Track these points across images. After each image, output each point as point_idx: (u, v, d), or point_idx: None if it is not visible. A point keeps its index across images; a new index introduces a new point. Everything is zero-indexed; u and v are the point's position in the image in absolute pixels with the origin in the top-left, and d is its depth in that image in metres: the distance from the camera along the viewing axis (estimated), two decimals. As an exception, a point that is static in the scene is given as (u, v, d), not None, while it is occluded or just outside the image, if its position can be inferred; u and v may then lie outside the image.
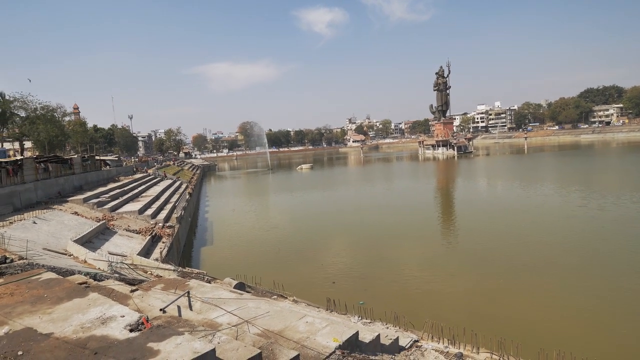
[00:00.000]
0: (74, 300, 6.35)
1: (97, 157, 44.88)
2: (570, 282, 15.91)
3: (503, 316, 13.29)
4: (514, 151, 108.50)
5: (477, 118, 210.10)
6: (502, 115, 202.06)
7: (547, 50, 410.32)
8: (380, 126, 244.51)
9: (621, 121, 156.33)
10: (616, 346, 11.41)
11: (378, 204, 38.09)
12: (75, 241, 14.72)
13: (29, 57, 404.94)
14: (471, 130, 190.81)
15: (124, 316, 5.60)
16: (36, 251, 11.88)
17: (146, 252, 16.70)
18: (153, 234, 19.92)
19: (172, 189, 40.38)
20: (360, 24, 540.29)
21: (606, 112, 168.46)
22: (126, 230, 20.08)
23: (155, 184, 42.67)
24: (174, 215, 25.23)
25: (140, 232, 20.28)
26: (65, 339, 4.97)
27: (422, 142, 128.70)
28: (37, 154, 46.95)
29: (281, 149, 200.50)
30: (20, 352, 4.64)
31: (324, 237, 26.53)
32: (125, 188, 32.77)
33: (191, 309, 7.39)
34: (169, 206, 29.13)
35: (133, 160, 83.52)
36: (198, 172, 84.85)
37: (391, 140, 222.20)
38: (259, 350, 5.10)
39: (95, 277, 9.29)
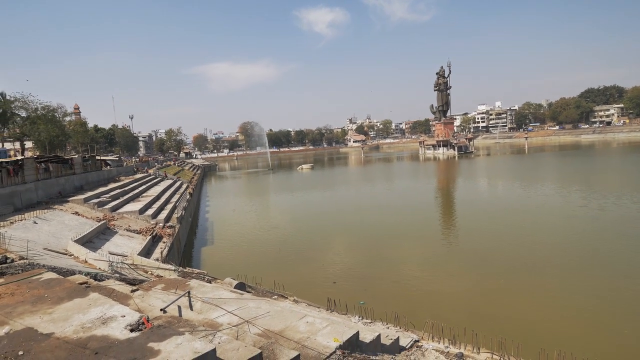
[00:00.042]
0: (75, 300, 6.35)
1: (97, 157, 44.96)
2: (571, 282, 15.90)
3: (503, 316, 13.28)
4: (515, 151, 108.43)
5: (478, 118, 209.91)
6: (503, 116, 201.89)
7: (547, 50, 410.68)
8: (381, 126, 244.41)
9: (622, 121, 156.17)
10: (617, 346, 11.40)
11: (378, 204, 38.08)
12: (76, 241, 14.73)
13: (29, 57, 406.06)
14: (472, 130, 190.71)
15: (124, 316, 5.60)
16: (37, 251, 11.89)
17: (147, 252, 16.71)
18: (154, 234, 19.93)
19: (172, 189, 40.40)
20: (361, 24, 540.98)
21: (607, 112, 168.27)
22: (127, 230, 20.09)
23: (155, 184, 42.69)
24: (175, 215, 25.24)
25: (140, 232, 20.30)
26: (66, 339, 4.97)
27: (423, 142, 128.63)
28: (37, 154, 47.03)
29: (282, 149, 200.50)
30: (21, 352, 4.64)
31: (324, 237, 26.53)
32: (126, 188, 32.79)
33: (192, 309, 7.39)
34: (169, 206, 29.14)
35: (134, 160, 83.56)
36: (199, 172, 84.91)
37: (392, 141, 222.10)
38: (259, 350, 5.10)
39: (95, 277, 9.30)
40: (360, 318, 9.16)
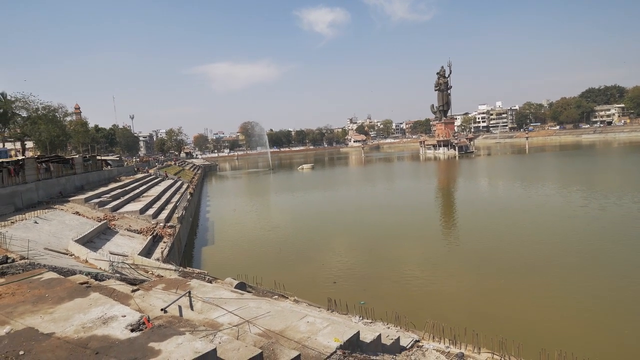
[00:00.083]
0: (75, 300, 6.36)
1: (98, 157, 45.01)
2: (572, 282, 15.89)
3: (504, 316, 13.27)
4: (515, 151, 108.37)
5: (479, 118, 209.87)
6: (504, 115, 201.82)
7: (547, 50, 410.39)
8: (382, 126, 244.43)
9: (623, 121, 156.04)
10: (617, 346, 11.39)
11: (379, 204, 38.08)
12: (77, 241, 14.74)
13: (29, 57, 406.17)
14: (472, 130, 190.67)
15: (125, 316, 5.60)
16: (37, 251, 11.91)
17: (147, 252, 16.73)
18: (154, 233, 19.95)
19: (173, 189, 40.42)
20: (362, 24, 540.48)
21: (608, 112, 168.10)
22: (127, 230, 20.10)
23: (156, 184, 42.72)
24: (175, 215, 25.25)
25: (141, 232, 20.31)
26: (67, 339, 4.97)
27: (423, 142, 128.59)
28: (38, 154, 47.04)
29: (282, 149, 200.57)
30: (21, 352, 4.65)
31: (324, 237, 26.53)
32: (127, 188, 32.81)
33: (192, 309, 7.40)
34: (170, 206, 29.15)
35: (134, 160, 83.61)
36: (199, 172, 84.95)
37: (392, 140, 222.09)
38: (260, 350, 5.10)
39: (96, 277, 9.30)
40: (361, 318, 9.16)
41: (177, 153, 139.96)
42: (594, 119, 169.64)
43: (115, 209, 24.01)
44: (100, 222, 19.59)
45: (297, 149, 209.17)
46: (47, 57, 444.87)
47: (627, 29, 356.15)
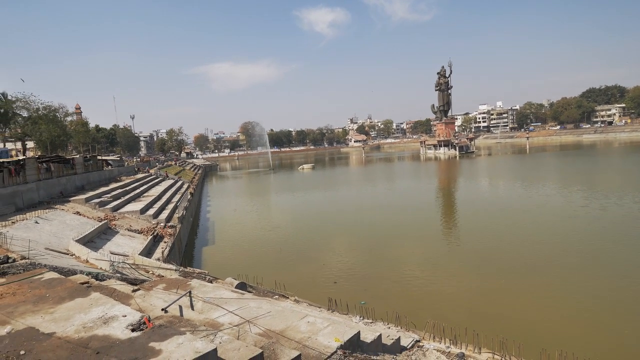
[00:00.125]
0: (76, 300, 6.36)
1: (99, 157, 45.01)
2: (572, 282, 15.87)
3: (505, 316, 13.26)
4: (516, 151, 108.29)
5: (479, 118, 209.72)
6: (504, 115, 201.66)
7: (547, 50, 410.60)
8: (382, 126, 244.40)
9: (623, 121, 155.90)
10: (618, 346, 11.38)
11: (379, 204, 38.06)
12: (77, 241, 14.76)
13: (29, 57, 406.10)
14: (473, 130, 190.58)
15: (125, 316, 5.61)
16: (38, 251, 11.92)
17: (148, 252, 16.74)
18: (155, 233, 19.96)
19: (173, 189, 40.44)
20: (362, 23, 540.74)
21: (608, 112, 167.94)
22: (128, 230, 20.12)
23: (157, 184, 42.74)
24: (176, 215, 25.26)
25: (142, 232, 20.32)
26: (68, 339, 4.98)
27: (424, 142, 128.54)
28: (39, 154, 47.08)
29: (283, 149, 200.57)
30: (22, 352, 4.65)
31: (325, 237, 26.53)
32: (127, 188, 32.84)
33: (193, 309, 7.40)
34: (170, 206, 29.17)
35: (135, 160, 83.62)
36: (200, 172, 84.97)
37: (393, 140, 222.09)
38: (260, 350, 5.10)
39: (97, 276, 9.31)
40: (362, 318, 9.15)
41: (177, 153, 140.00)
42: (595, 119, 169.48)
43: (115, 209, 24.03)
44: (100, 222, 19.60)
45: (298, 149, 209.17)
46: (47, 57, 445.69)
47: (627, 29, 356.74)
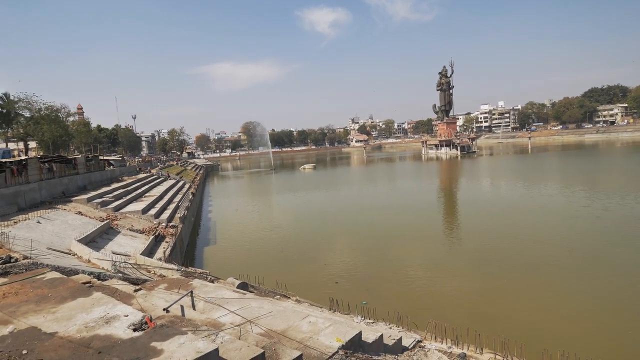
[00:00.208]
0: (78, 300, 6.37)
1: (100, 157, 45.12)
2: (574, 282, 15.84)
3: (506, 316, 13.24)
4: (518, 151, 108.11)
5: (481, 118, 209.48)
6: (506, 115, 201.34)
7: (547, 50, 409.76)
8: (383, 126, 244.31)
9: (626, 121, 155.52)
10: (620, 346, 11.35)
11: (381, 204, 38.05)
12: (79, 241, 14.79)
13: (29, 57, 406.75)
14: (474, 130, 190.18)
15: (127, 316, 5.62)
16: (40, 251, 11.95)
17: (149, 251, 16.77)
18: (156, 233, 19.99)
19: (175, 188, 40.50)
20: (364, 23, 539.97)
21: (610, 112, 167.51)
22: (130, 230, 20.15)
23: (158, 183, 42.81)
24: (177, 215, 25.30)
25: (143, 232, 20.35)
26: (69, 338, 4.99)
27: (425, 142, 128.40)
28: (41, 154, 47.24)
29: (284, 149, 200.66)
30: (24, 351, 4.66)
31: (326, 237, 26.53)
32: (129, 188, 32.90)
33: (194, 309, 7.40)
34: (172, 206, 29.22)
35: (136, 160, 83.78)
36: (201, 172, 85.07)
37: (394, 140, 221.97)
38: (262, 350, 5.10)
39: (99, 276, 9.33)
40: (363, 318, 9.15)
41: (179, 153, 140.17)
42: (597, 119, 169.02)
43: (117, 208, 24.08)
44: (102, 222, 19.65)
45: (299, 149, 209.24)
46: (48, 57, 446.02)
47: (627, 29, 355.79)
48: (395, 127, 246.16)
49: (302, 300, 10.54)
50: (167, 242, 19.22)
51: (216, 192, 61.09)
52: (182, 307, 6.76)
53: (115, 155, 75.88)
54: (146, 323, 5.30)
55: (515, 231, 23.96)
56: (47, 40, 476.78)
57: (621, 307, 13.62)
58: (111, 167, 46.16)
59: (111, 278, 9.46)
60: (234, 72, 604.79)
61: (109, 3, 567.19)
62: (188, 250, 24.78)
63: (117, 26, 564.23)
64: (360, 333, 6.55)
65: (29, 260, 9.62)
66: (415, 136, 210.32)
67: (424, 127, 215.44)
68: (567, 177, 49.68)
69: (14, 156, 40.69)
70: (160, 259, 14.72)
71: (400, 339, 7.53)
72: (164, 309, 6.56)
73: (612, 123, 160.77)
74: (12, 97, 46.63)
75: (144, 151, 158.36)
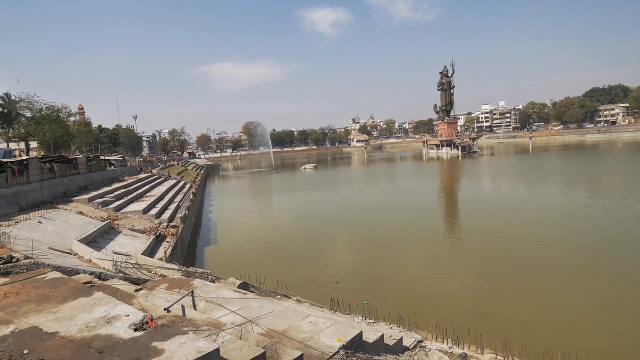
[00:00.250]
0: (79, 300, 6.38)
1: (101, 157, 45.15)
2: (575, 282, 15.82)
3: (507, 316, 13.23)
4: (519, 151, 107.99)
5: (482, 118, 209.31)
6: (507, 115, 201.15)
7: (547, 50, 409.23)
8: (384, 126, 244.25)
9: (627, 121, 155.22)
10: (621, 347, 11.33)
11: (382, 204, 38.03)
12: (80, 241, 14.81)
13: (29, 57, 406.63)
14: (475, 129, 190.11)
15: (128, 315, 5.62)
16: (41, 250, 11.96)
17: (150, 251, 16.78)
18: (157, 233, 20.00)
19: (176, 188, 40.52)
20: (365, 23, 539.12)
21: (612, 112, 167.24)
22: (130, 230, 20.17)
23: (159, 183, 42.83)
24: (178, 215, 25.32)
25: (144, 232, 20.37)
26: (71, 338, 4.99)
27: (426, 141, 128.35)
28: (42, 153, 47.34)
29: (285, 149, 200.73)
30: (26, 351, 4.67)
31: (327, 237, 26.53)
32: (130, 188, 32.92)
33: (195, 309, 7.41)
34: (173, 206, 29.24)
35: (137, 160, 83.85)
36: (202, 172, 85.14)
37: (395, 140, 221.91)
38: (262, 350, 5.11)
39: (100, 276, 9.34)
40: (364, 318, 9.15)
41: (180, 153, 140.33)
42: (598, 119, 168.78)
43: (118, 208, 24.10)
44: (103, 221, 19.67)
45: (300, 148, 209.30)
46: (48, 57, 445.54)
47: (627, 29, 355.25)
48: (396, 127, 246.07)
49: (302, 300, 10.54)
50: (168, 242, 19.24)
51: (217, 192, 61.12)
52: (183, 307, 6.77)
53: (116, 155, 75.96)
54: (147, 323, 5.30)
55: (516, 231, 23.94)
56: (47, 40, 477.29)
57: (622, 307, 13.60)
58: (112, 167, 46.21)
59: (112, 278, 9.47)
60: (234, 72, 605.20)
61: (109, 3, 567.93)
62: (189, 250, 24.79)
63: (117, 26, 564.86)
64: (361, 333, 6.55)
65: (30, 260, 9.63)
66: (416, 136, 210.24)
67: (424, 127, 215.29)
68: (568, 177, 49.60)
69: (15, 156, 40.77)
70: (161, 259, 14.74)
71: (401, 339, 7.53)
72: (164, 309, 6.57)
73: (614, 123, 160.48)
74: (13, 97, 46.73)
75: (145, 151, 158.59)
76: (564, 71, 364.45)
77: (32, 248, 11.14)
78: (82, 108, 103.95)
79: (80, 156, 39.14)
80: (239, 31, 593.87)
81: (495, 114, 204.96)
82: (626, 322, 12.55)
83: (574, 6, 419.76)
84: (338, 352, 5.81)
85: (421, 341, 7.94)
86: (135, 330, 5.15)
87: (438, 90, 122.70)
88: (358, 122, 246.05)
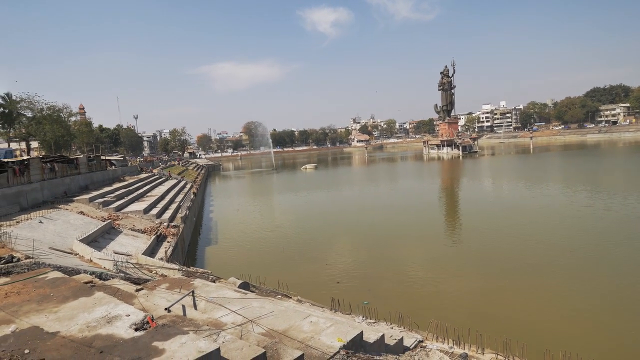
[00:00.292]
0: (80, 299, 6.39)
1: (102, 157, 45.17)
2: (576, 283, 15.80)
3: (508, 316, 13.21)
4: (520, 151, 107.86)
5: (482, 118, 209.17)
6: (508, 115, 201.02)
7: (547, 50, 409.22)
8: (385, 126, 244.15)
9: (628, 120, 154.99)
10: (622, 347, 11.31)
11: (382, 204, 38.03)
12: (81, 240, 14.82)
13: (29, 57, 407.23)
14: (476, 129, 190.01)
15: (129, 315, 5.63)
16: (42, 250, 11.97)
17: (151, 251, 16.79)
18: (158, 233, 20.02)
19: (176, 188, 40.55)
20: (365, 23, 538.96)
21: (613, 112, 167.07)
22: (131, 230, 20.19)
23: (160, 183, 42.87)
24: (179, 215, 25.34)
25: (145, 232, 20.38)
26: (71, 338, 5.00)
27: (427, 141, 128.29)
28: (43, 153, 47.37)
29: (285, 149, 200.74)
30: (27, 351, 4.68)
31: (328, 236, 26.52)
32: (131, 188, 32.95)
33: (196, 308, 7.42)
34: (173, 206, 29.26)
35: (138, 160, 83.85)
36: (203, 172, 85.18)
37: (396, 140, 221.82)
38: (263, 350, 5.11)
39: (100, 276, 9.35)
40: (364, 318, 9.14)
41: (180, 153, 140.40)
42: (599, 119, 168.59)
43: (119, 208, 24.12)
44: (104, 221, 19.69)
45: (301, 149, 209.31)
46: (48, 57, 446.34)
47: (627, 29, 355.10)
48: (397, 127, 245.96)
49: (303, 300, 10.54)
50: (168, 242, 19.25)
51: (218, 192, 61.15)
52: (183, 306, 6.78)
53: (117, 155, 75.99)
54: (148, 323, 5.31)
55: (517, 231, 23.92)
56: (47, 40, 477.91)
57: (622, 307, 13.58)
58: (113, 167, 46.22)
59: (113, 278, 9.48)
60: (235, 72, 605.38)
61: (109, 3, 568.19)
62: (189, 250, 24.81)
63: (117, 26, 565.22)
64: (361, 333, 6.55)
65: (31, 259, 9.65)
66: (417, 136, 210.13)
67: (425, 127, 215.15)
68: (569, 177, 49.54)
69: (16, 156, 40.81)
70: (161, 259, 14.75)
71: (401, 339, 7.52)
72: (165, 309, 6.57)
73: (615, 123, 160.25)
74: (14, 97, 46.80)
75: (146, 151, 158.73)
76: (564, 71, 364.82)
77: (33, 248, 11.16)
78: (83, 108, 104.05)
79: (81, 156, 39.17)
80: (239, 31, 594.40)
81: (496, 114, 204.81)
82: (627, 322, 12.54)
83: (574, 6, 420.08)
84: (339, 352, 5.81)
85: (422, 341, 7.94)
86: (136, 330, 5.15)
87: (439, 90, 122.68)
88: (359, 122, 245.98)
